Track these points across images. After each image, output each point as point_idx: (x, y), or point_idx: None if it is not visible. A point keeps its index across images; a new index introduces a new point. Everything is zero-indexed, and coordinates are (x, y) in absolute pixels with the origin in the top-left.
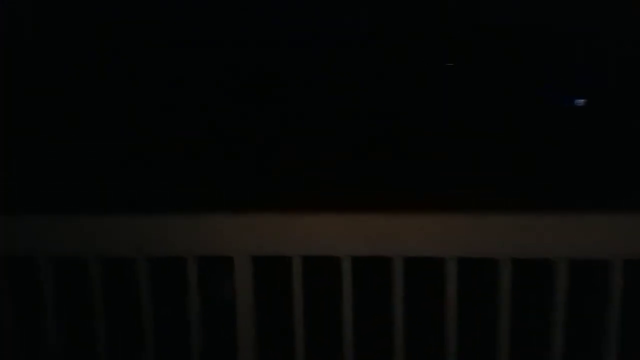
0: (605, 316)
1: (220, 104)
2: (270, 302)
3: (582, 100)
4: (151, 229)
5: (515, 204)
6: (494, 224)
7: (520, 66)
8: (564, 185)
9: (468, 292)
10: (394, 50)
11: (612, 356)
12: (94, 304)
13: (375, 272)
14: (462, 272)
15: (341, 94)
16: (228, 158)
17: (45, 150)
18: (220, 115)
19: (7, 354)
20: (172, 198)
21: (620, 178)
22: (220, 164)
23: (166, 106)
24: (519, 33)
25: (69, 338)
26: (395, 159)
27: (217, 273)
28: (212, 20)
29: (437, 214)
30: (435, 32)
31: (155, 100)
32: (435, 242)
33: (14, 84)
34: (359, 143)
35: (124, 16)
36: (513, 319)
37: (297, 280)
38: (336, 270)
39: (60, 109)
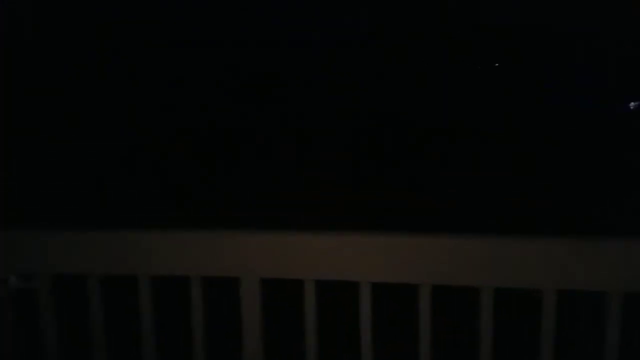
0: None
1: (219, 104)
2: (281, 326)
3: (636, 104)
4: (153, 246)
5: (515, 204)
6: (543, 249)
7: (523, 67)
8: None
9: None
10: (394, 50)
11: None
12: (93, 323)
13: (395, 294)
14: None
15: (341, 94)
16: (226, 158)
17: (30, 155)
18: (219, 116)
19: None
20: (171, 196)
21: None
22: (217, 164)
23: (165, 106)
24: (520, 33)
25: (68, 356)
26: (396, 158)
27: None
28: (210, 20)
29: (475, 236)
30: (435, 32)
31: (152, 101)
32: (470, 269)
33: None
34: (359, 143)
35: (123, 16)
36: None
37: (310, 306)
38: (353, 291)
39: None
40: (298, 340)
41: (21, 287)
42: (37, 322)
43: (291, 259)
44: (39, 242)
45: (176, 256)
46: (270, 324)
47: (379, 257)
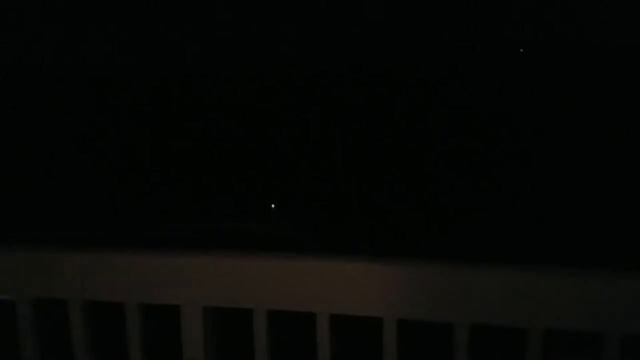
0: None
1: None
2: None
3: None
4: (86, 269)
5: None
6: (529, 281)
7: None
8: None
9: None
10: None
11: None
12: (22, 351)
13: (360, 327)
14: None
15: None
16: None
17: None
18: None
19: None
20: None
21: None
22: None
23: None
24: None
25: None
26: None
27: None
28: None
29: (448, 264)
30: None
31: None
32: (441, 302)
33: None
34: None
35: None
36: None
37: (261, 339)
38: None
39: None
40: None
41: None
42: None
43: (239, 286)
44: None
45: (111, 280)
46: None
47: (339, 286)
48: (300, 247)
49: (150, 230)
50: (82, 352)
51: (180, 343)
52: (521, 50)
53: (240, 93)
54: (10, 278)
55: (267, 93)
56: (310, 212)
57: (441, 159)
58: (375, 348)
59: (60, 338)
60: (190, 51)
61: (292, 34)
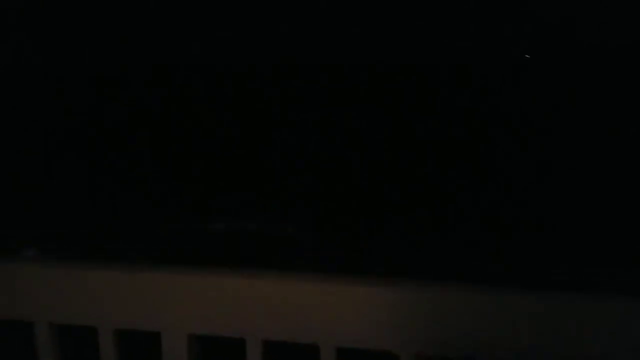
0: None
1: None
2: None
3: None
4: (51, 286)
5: None
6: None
7: None
8: None
9: None
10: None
11: None
12: None
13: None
14: None
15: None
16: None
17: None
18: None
19: None
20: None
21: None
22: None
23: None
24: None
25: None
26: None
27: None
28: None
29: (489, 288)
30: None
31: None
32: (478, 333)
33: None
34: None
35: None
36: None
37: None
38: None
39: None
40: None
41: None
42: None
43: (229, 310)
44: None
45: (81, 301)
46: None
47: (347, 314)
48: (300, 247)
49: (149, 230)
50: None
51: None
52: (527, 56)
53: (239, 92)
54: None
55: (267, 92)
56: (310, 212)
57: (445, 160)
58: None
59: None
60: (190, 51)
61: (292, 33)
